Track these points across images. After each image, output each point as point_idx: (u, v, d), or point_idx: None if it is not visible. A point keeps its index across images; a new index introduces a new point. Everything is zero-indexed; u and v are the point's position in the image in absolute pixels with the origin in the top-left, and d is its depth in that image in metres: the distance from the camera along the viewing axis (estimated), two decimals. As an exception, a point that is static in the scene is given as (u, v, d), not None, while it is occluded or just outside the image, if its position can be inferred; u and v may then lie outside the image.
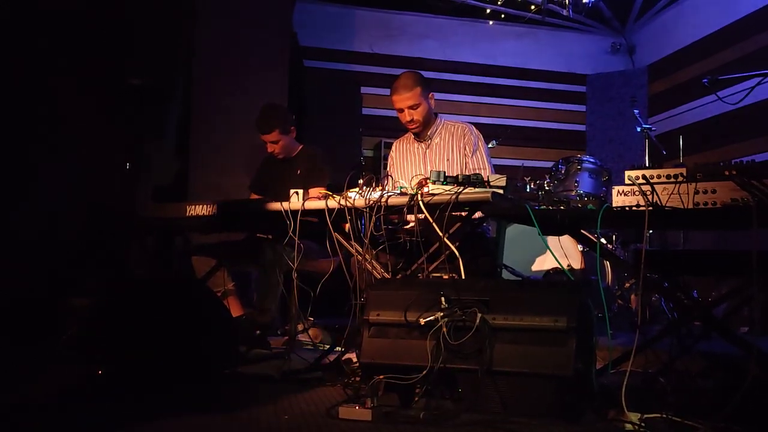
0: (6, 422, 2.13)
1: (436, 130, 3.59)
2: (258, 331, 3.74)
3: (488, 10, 7.21)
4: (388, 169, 3.77)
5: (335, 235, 2.85)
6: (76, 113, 4.28)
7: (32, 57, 4.01)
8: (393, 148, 3.78)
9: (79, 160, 4.28)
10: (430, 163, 3.56)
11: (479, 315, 2.22)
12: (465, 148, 3.52)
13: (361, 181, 2.78)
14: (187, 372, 2.73)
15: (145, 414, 2.30)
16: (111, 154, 4.58)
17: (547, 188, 4.55)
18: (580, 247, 4.48)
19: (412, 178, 2.78)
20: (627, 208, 2.34)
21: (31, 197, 3.95)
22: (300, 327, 3.71)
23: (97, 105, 4.40)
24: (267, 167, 4.29)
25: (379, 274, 2.85)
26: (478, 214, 2.83)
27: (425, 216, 2.58)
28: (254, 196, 4.14)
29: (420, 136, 3.59)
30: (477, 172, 3.44)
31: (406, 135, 3.73)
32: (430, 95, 3.52)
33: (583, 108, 7.56)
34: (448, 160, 3.53)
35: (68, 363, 2.79)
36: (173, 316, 2.82)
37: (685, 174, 2.32)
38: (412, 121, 3.50)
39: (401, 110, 3.49)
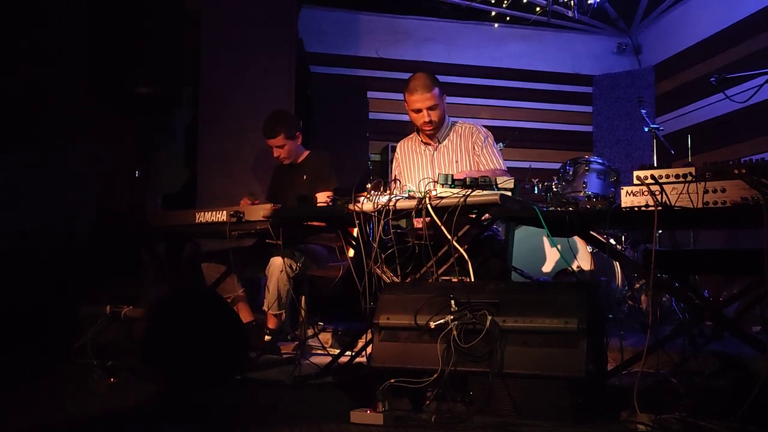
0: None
1: (446, 132, 3.57)
2: (268, 337, 3.75)
3: (493, 13, 7.21)
4: (393, 170, 3.75)
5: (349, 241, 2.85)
6: (86, 123, 4.32)
7: (42, 69, 4.05)
8: (398, 149, 3.72)
9: (89, 168, 4.31)
10: (438, 165, 3.53)
11: (489, 317, 2.22)
12: (474, 148, 3.49)
13: (369, 186, 2.78)
14: (198, 379, 2.74)
15: (156, 421, 2.31)
16: (121, 162, 4.61)
17: (555, 190, 4.55)
18: (589, 248, 4.47)
19: (420, 181, 2.77)
20: (636, 209, 2.34)
21: (42, 206, 3.98)
22: (310, 332, 3.72)
23: (107, 114, 4.44)
24: (277, 175, 4.31)
25: (388, 278, 2.85)
26: (487, 216, 2.82)
27: (434, 220, 2.58)
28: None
29: (431, 137, 3.57)
30: (489, 167, 3.43)
31: (410, 136, 3.70)
32: (443, 96, 3.52)
33: (590, 109, 7.54)
34: (456, 161, 3.50)
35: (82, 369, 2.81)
36: (186, 324, 2.84)
37: (694, 173, 2.31)
38: (430, 122, 3.45)
39: (419, 110, 3.44)
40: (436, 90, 3.43)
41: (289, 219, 3.13)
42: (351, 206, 2.76)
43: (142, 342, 2.77)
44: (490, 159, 3.47)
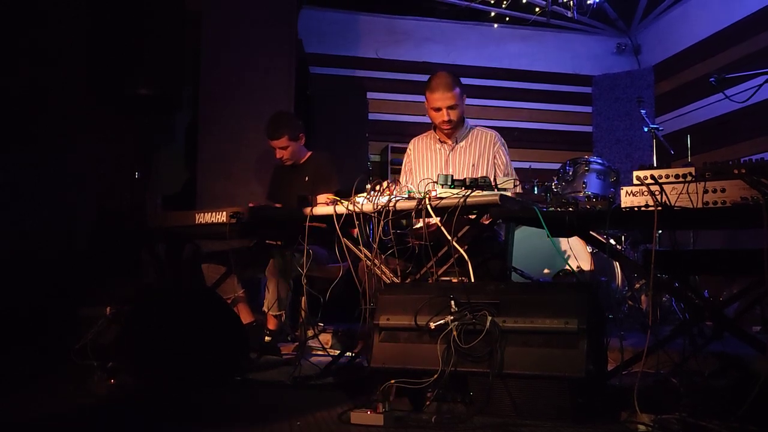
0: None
1: (464, 133, 3.55)
2: (268, 338, 3.74)
3: (493, 13, 7.21)
4: (404, 166, 3.71)
5: (344, 240, 2.85)
6: (86, 123, 4.32)
7: (42, 69, 4.05)
8: (411, 145, 3.68)
9: (89, 168, 4.31)
10: (452, 166, 3.50)
11: (489, 318, 2.22)
12: (495, 156, 3.49)
13: (368, 186, 2.78)
14: (198, 379, 2.74)
15: (156, 421, 2.31)
16: (121, 162, 4.61)
17: (554, 190, 4.55)
18: (589, 249, 4.47)
19: (420, 181, 2.77)
20: (636, 209, 2.34)
21: (42, 206, 3.98)
22: (310, 333, 3.72)
23: (107, 115, 4.44)
24: (277, 175, 4.31)
25: (388, 278, 2.85)
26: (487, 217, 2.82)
27: (434, 220, 2.58)
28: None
29: (449, 137, 3.55)
30: (505, 172, 3.44)
31: (426, 133, 3.66)
32: (464, 97, 3.50)
33: (589, 109, 7.54)
34: (473, 165, 3.47)
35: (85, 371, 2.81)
36: (185, 324, 2.84)
37: (693, 173, 2.31)
38: (449, 121, 3.44)
39: (439, 109, 3.43)
40: (457, 90, 3.43)
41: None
42: (351, 207, 2.76)
43: (140, 342, 2.77)
44: (506, 167, 3.49)
